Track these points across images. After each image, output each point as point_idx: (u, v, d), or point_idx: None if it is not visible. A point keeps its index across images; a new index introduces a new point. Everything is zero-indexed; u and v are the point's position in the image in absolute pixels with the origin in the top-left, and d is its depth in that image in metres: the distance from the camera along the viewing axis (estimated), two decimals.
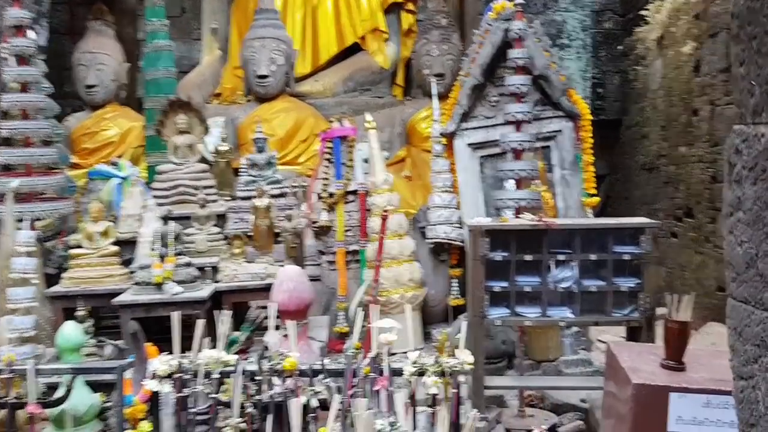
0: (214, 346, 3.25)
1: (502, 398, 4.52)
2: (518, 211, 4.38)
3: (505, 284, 3.85)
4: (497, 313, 3.86)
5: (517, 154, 4.44)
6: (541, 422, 4.22)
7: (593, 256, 3.79)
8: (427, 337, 5.68)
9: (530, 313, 3.86)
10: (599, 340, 4.77)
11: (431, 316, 5.79)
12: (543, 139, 5.50)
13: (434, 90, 6.04)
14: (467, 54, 5.73)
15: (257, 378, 3.15)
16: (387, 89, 9.35)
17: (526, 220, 3.93)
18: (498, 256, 3.82)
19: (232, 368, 3.15)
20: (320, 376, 3.15)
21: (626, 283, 3.80)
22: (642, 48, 10.13)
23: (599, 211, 5.54)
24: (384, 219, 4.43)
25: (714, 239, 6.88)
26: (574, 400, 4.47)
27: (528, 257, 3.81)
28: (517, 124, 4.46)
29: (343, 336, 5.57)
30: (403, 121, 7.69)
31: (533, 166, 4.42)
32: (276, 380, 3.13)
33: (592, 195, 5.52)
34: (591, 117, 5.62)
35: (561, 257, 3.80)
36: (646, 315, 3.71)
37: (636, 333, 3.81)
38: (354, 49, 9.45)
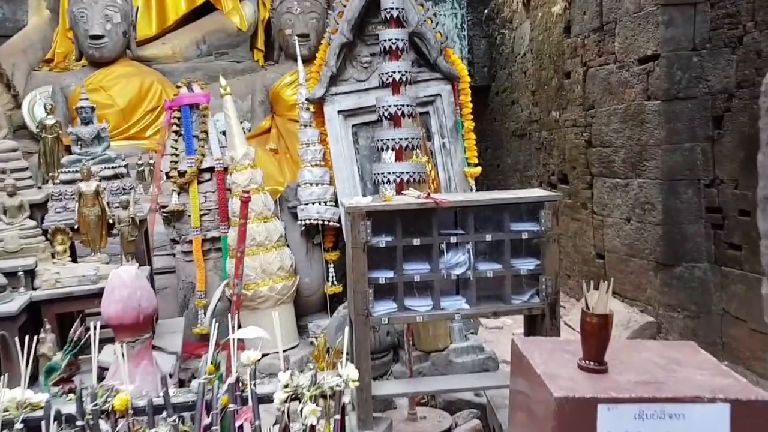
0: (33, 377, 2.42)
1: (390, 400, 3.98)
2: (400, 187, 3.81)
3: (391, 274, 3.28)
4: (383, 309, 3.29)
5: (396, 120, 3.85)
6: (434, 425, 3.73)
7: (488, 237, 3.30)
8: (302, 331, 5.03)
9: (421, 306, 3.32)
10: (490, 328, 4.35)
11: (306, 307, 5.15)
12: (420, 105, 4.95)
13: (298, 51, 5.31)
14: (333, 8, 5.04)
15: (78, 424, 2.37)
16: (246, 53, 8.49)
17: (412, 197, 3.36)
18: (381, 241, 3.23)
19: (41, 413, 2.35)
20: (164, 414, 2.42)
21: (525, 266, 3.34)
22: (508, 11, 9.89)
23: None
24: (245, 201, 3.70)
25: (591, 205, 6.73)
26: (469, 395, 4.02)
27: (416, 241, 3.25)
28: (395, 86, 3.86)
29: (205, 338, 4.80)
30: (265, 88, 6.90)
31: (415, 134, 3.86)
32: (103, 425, 2.37)
33: (475, 164, 5.08)
34: (469, 79, 5.14)
35: (453, 240, 3.28)
36: (550, 301, 3.28)
37: (536, 322, 3.38)
38: (207, 9, 8.48)
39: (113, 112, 6.31)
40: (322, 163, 4.96)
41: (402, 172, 3.80)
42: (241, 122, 6.80)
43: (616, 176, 6.22)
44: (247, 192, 3.99)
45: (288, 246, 4.97)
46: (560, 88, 7.52)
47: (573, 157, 7.15)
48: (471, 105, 5.12)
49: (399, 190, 3.87)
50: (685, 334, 5.47)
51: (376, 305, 3.28)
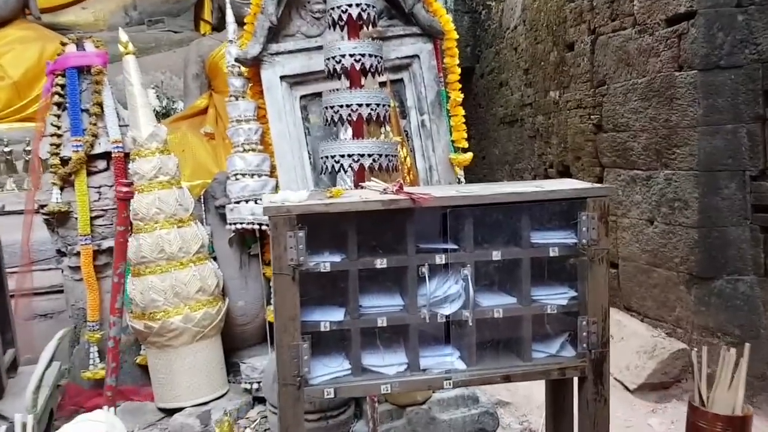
0: None
1: None
2: (361, 176, 2.55)
3: (340, 316, 2.03)
4: (327, 373, 2.03)
5: (354, 77, 2.59)
6: None
7: (496, 254, 2.05)
8: (233, 371, 3.75)
9: (388, 366, 2.06)
10: None
11: (240, 340, 3.86)
12: (392, 70, 3.70)
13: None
14: None
15: None
16: (188, 24, 7.17)
17: (376, 189, 2.11)
18: (324, 264, 1.97)
19: None
20: None
21: (555, 299, 2.11)
22: None
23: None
24: (122, 199, 2.42)
25: None
26: None
27: (381, 263, 2.00)
28: (352, 26, 2.60)
29: (100, 384, 3.52)
30: (200, 58, 5.57)
31: (382, 99, 2.59)
32: None
33: (464, 149, 3.84)
34: (456, 36, 3.89)
35: (440, 259, 2.03)
36: (594, 355, 2.05)
37: (566, 386, 2.16)
38: None
39: (4, 86, 4.98)
40: (260, 147, 3.68)
41: (362, 155, 2.54)
42: (173, 101, 5.49)
43: (634, 167, 5.02)
44: (128, 184, 2.69)
45: (214, 259, 3.69)
46: (561, 64, 6.31)
47: (577, 144, 5.94)
48: (459, 71, 3.88)
49: (359, 182, 2.61)
50: None
51: (316, 366, 2.03)
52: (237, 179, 3.60)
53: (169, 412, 3.50)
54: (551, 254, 2.08)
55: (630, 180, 5.08)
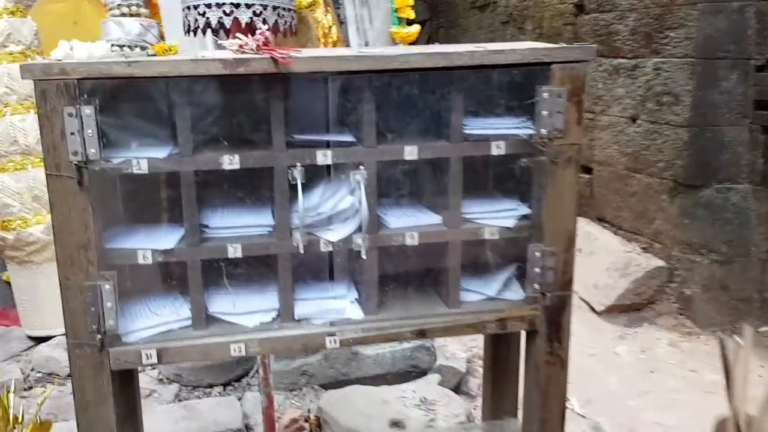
0: None
1: None
2: (234, 34, 1.78)
3: (169, 241, 1.33)
4: (151, 325, 1.35)
5: None
6: None
7: (411, 151, 1.34)
8: None
9: (246, 314, 1.39)
10: None
11: None
12: None
13: None
14: None
15: None
16: None
17: (231, 48, 1.36)
18: (136, 160, 1.25)
19: None
20: None
21: (498, 218, 1.43)
22: None
23: None
24: None
25: None
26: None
27: (230, 160, 1.28)
28: None
29: None
30: None
31: None
32: None
33: (410, 21, 3.04)
34: None
35: (323, 156, 1.32)
36: (551, 301, 1.40)
37: (510, 342, 1.51)
38: None
39: None
40: (144, 10, 2.83)
41: (237, 4, 1.75)
42: None
43: (619, 54, 4.26)
44: None
45: None
46: None
47: (554, 29, 5.13)
48: None
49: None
50: (710, 286, 3.75)
51: (133, 316, 1.35)
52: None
53: (38, 341, 2.86)
54: (494, 152, 1.37)
55: (612, 70, 4.33)
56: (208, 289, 1.42)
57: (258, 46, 1.29)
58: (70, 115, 1.17)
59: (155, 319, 1.36)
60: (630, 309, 3.95)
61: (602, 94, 4.43)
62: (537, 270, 1.40)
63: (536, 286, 1.41)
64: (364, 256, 1.33)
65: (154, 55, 1.28)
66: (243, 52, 1.32)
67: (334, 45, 2.59)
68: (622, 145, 4.27)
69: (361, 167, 1.32)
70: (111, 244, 1.31)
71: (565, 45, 1.32)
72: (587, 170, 4.60)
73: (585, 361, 3.49)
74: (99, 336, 1.27)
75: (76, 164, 1.19)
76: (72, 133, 1.18)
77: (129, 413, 1.47)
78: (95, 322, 1.26)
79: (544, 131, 1.33)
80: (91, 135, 1.19)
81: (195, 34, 1.83)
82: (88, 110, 1.18)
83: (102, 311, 1.26)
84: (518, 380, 1.71)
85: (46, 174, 1.20)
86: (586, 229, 4.34)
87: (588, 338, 3.73)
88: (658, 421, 3.01)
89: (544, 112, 1.32)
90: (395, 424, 2.21)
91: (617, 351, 3.63)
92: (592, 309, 4.03)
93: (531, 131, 1.36)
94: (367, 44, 2.99)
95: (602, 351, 3.64)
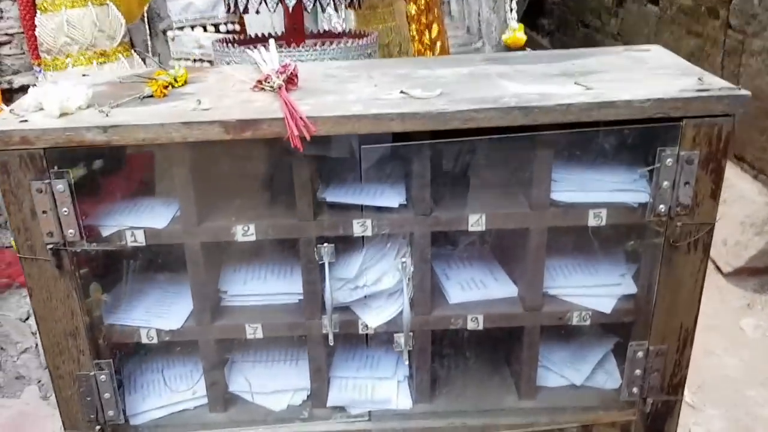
0: None
1: None
2: (295, 18, 1.46)
3: (176, 318, 1.11)
4: (161, 405, 1.17)
5: None
6: None
7: (476, 220, 1.01)
8: None
9: (272, 393, 1.17)
10: None
11: None
12: None
13: None
14: None
15: None
16: None
17: (248, 77, 1.05)
18: (130, 232, 1.01)
19: None
20: None
21: (589, 298, 1.09)
22: None
23: None
24: None
25: (726, 12, 4.01)
26: None
27: (244, 230, 1.01)
28: None
29: None
30: None
31: None
32: None
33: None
34: None
35: (360, 227, 1.02)
36: (654, 408, 1.08)
37: None
38: None
39: None
40: None
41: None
42: None
43: None
44: None
45: None
46: None
47: None
48: None
49: (292, 25, 1.52)
50: None
51: (142, 391, 1.17)
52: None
53: None
54: (592, 223, 1.02)
55: None
56: (231, 356, 1.20)
57: (281, 86, 0.97)
58: (39, 191, 0.93)
59: (168, 398, 1.17)
60: (763, 272, 3.45)
61: (758, 12, 3.68)
62: (638, 372, 1.07)
63: (635, 389, 1.08)
64: (405, 360, 1.05)
65: (151, 96, 0.99)
66: (261, 89, 1.01)
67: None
68: None
69: (405, 259, 1.01)
70: (111, 319, 1.10)
71: (703, 90, 0.90)
72: None
73: (703, 336, 3.06)
74: (99, 426, 1.09)
75: (52, 248, 0.96)
76: (44, 212, 0.95)
77: None
78: (93, 412, 1.08)
79: (662, 207, 0.95)
80: (66, 213, 0.95)
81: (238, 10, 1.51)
82: (60, 185, 0.93)
83: (100, 401, 1.08)
84: None
85: (20, 257, 0.98)
86: None
87: (709, 306, 3.28)
88: None
89: (666, 183, 0.94)
90: None
91: (742, 325, 3.18)
92: (718, 269, 3.55)
93: (644, 199, 0.98)
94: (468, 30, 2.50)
95: (725, 323, 3.20)
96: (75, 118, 0.94)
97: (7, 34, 2.70)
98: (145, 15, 2.76)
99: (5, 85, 2.74)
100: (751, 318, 3.21)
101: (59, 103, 0.95)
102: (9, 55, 2.72)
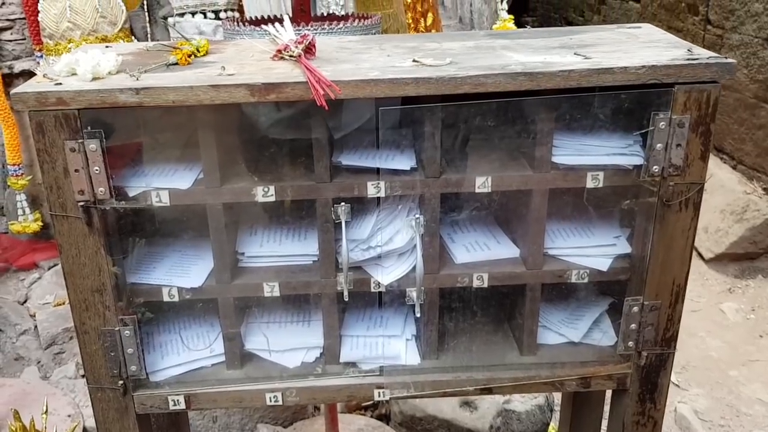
0: None
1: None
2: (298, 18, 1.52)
3: (198, 277, 1.17)
4: (182, 362, 1.22)
5: None
6: None
7: (483, 182, 1.08)
8: None
9: (287, 351, 1.23)
10: None
11: None
12: None
13: None
14: None
15: None
16: None
17: (266, 47, 1.11)
18: (155, 192, 1.07)
19: None
20: None
21: (587, 257, 1.17)
22: None
23: None
24: None
25: (705, 8, 4.14)
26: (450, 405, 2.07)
27: (264, 191, 1.07)
28: None
29: (39, 237, 2.89)
30: None
31: None
32: None
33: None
34: None
35: (374, 187, 1.09)
36: (649, 360, 1.15)
37: (591, 400, 1.29)
38: None
39: None
40: None
41: None
42: None
43: None
44: None
45: None
46: None
47: None
48: None
49: (300, 7, 1.58)
50: None
51: (161, 350, 1.22)
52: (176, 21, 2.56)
53: None
54: (590, 185, 1.09)
55: None
56: (247, 317, 1.26)
57: (300, 54, 1.04)
58: (73, 150, 0.99)
59: (186, 355, 1.22)
60: (743, 258, 3.57)
61: (736, 8, 3.80)
62: (633, 326, 1.14)
63: (631, 342, 1.16)
64: (417, 313, 1.11)
65: (176, 63, 1.05)
66: (281, 59, 1.07)
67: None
68: (753, 69, 3.69)
69: (418, 214, 1.08)
70: (133, 278, 1.16)
71: (693, 59, 0.98)
72: None
73: (686, 319, 3.18)
74: (121, 381, 1.15)
75: (83, 205, 1.02)
76: (76, 170, 1.00)
77: None
78: (116, 367, 1.14)
79: (656, 168, 1.03)
80: (98, 172, 1.00)
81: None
82: (93, 144, 0.99)
83: (123, 356, 1.13)
84: None
85: (51, 214, 1.04)
86: None
87: (692, 290, 3.40)
88: (761, 398, 2.73)
89: (659, 145, 1.01)
90: None
91: (723, 308, 3.30)
92: (700, 255, 3.67)
93: (638, 161, 1.06)
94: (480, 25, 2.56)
95: (706, 307, 3.32)
96: (107, 81, 1.00)
97: (8, 20, 2.73)
98: (144, 2, 2.81)
99: (6, 70, 2.77)
100: (732, 302, 3.33)
101: (91, 68, 1.00)
102: (10, 41, 2.75)
